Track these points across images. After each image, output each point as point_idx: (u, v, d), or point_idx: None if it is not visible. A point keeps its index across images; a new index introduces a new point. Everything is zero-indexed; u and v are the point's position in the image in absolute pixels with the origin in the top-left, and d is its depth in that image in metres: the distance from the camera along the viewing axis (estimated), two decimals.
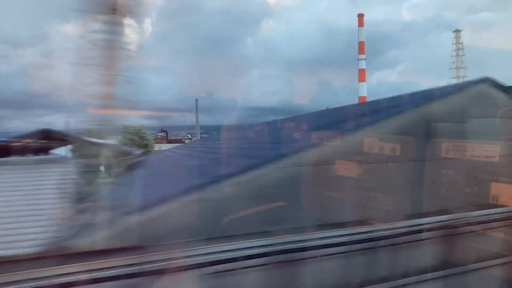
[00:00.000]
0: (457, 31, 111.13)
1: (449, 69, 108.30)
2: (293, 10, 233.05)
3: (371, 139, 5.96)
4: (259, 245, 3.78)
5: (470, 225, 4.82)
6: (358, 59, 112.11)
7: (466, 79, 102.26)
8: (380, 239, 4.23)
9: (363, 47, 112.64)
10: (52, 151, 18.75)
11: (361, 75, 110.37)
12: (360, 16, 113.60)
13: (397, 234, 4.31)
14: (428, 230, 4.50)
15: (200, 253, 3.55)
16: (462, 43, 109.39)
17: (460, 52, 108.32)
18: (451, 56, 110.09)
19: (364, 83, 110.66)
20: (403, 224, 4.39)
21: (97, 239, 4.11)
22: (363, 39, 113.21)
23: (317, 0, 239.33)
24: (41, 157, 15.45)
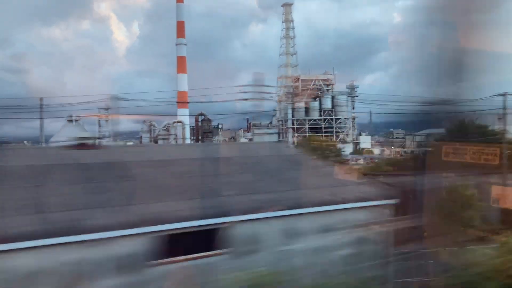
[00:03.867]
0: (286, 4, 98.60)
1: (279, 55, 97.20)
2: (281, 12, 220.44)
3: None
4: None
5: None
6: (177, 44, 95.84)
7: (297, 68, 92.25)
8: None
9: (183, 29, 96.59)
10: None
11: (181, 64, 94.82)
12: None
13: None
14: None
15: None
16: (292, 21, 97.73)
17: (291, 33, 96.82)
18: (280, 38, 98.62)
19: (184, 74, 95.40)
20: None
21: None
22: (182, 19, 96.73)
23: (305, 2, 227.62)
24: None
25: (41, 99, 46.59)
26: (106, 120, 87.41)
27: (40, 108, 46.88)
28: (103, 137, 77.20)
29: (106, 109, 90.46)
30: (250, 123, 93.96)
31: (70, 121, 76.48)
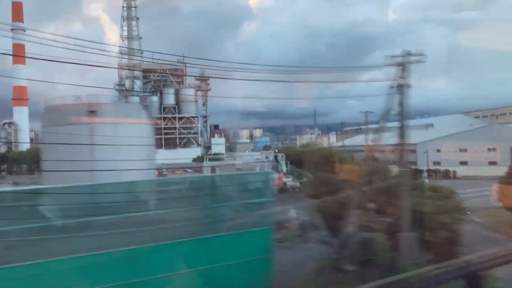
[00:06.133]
0: None
1: (122, 39, 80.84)
2: (274, 11, 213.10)
3: None
4: None
5: None
6: (12, 29, 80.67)
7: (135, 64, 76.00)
8: None
9: (20, 11, 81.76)
10: None
11: (18, 54, 79.90)
12: None
13: None
14: None
15: None
16: (136, 7, 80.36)
17: (133, 13, 78.93)
18: (122, 20, 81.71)
19: (21, 65, 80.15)
20: None
21: None
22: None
23: (298, 1, 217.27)
24: None
25: None
26: None
27: None
28: None
29: None
30: None
31: None
